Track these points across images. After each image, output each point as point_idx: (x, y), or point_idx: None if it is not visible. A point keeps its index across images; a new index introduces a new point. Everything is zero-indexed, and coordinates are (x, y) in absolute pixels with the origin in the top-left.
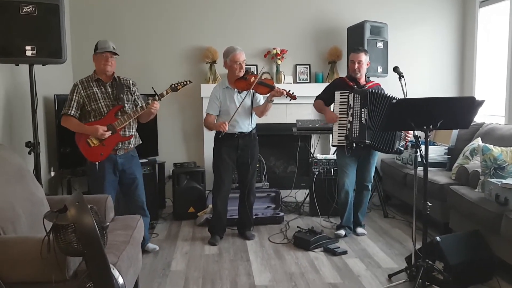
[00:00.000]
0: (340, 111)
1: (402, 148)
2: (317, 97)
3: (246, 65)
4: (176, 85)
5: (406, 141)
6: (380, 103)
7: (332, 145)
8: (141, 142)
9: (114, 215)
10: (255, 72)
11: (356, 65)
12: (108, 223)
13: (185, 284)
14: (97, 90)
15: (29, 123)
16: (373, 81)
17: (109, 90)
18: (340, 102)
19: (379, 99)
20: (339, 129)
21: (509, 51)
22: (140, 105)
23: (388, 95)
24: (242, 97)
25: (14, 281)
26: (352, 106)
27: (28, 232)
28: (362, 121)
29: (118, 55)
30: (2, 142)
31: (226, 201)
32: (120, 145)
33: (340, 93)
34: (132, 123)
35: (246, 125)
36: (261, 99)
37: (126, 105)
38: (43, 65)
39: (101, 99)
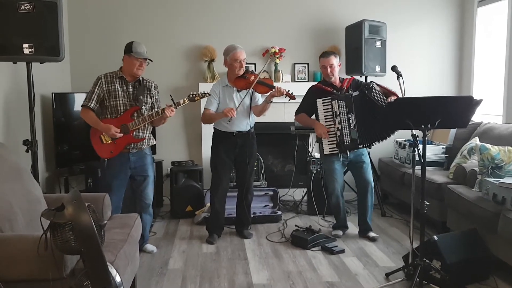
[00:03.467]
0: (326, 119)
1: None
2: (298, 110)
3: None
4: (194, 95)
5: None
6: (366, 102)
7: (325, 154)
8: (155, 142)
9: (120, 212)
10: (255, 71)
11: (329, 70)
12: (105, 221)
13: (182, 282)
14: (119, 87)
15: (27, 121)
16: (346, 79)
17: (130, 89)
18: (324, 109)
19: (364, 99)
20: (329, 137)
21: (507, 50)
22: (156, 110)
23: (364, 92)
24: (242, 96)
25: (11, 279)
26: (338, 113)
27: (25, 230)
28: (352, 127)
29: (151, 61)
30: (0, 140)
31: (224, 200)
32: (132, 145)
33: (322, 100)
34: (146, 126)
35: (245, 124)
36: (259, 98)
37: (143, 107)
38: (40, 63)
39: (121, 97)
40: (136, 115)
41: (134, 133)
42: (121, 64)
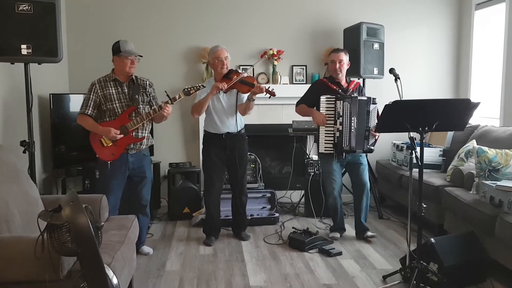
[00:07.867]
0: (327, 117)
1: (372, 148)
2: (299, 102)
3: (243, 65)
4: (189, 89)
5: (375, 139)
6: (365, 109)
7: (319, 153)
8: (153, 142)
9: (117, 213)
10: (239, 71)
11: (337, 65)
12: (102, 223)
13: (179, 284)
14: (114, 91)
15: (24, 122)
16: (353, 81)
17: (126, 90)
18: (327, 107)
19: (365, 105)
20: (326, 136)
21: (504, 53)
22: (153, 107)
23: (370, 99)
24: (227, 97)
25: (8, 280)
26: (341, 114)
27: (23, 232)
28: (352, 130)
29: (142, 56)
30: None
31: (218, 201)
32: (132, 145)
33: (326, 98)
34: (145, 125)
35: (233, 124)
36: (245, 97)
37: (140, 106)
38: (38, 64)
39: (117, 99)
40: (134, 115)
41: (133, 133)
42: None
